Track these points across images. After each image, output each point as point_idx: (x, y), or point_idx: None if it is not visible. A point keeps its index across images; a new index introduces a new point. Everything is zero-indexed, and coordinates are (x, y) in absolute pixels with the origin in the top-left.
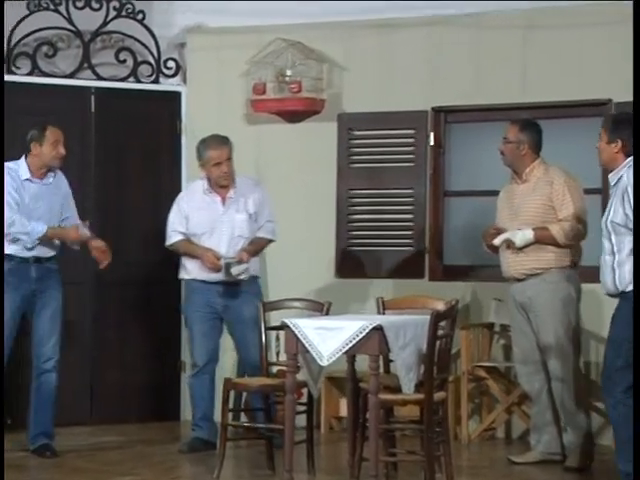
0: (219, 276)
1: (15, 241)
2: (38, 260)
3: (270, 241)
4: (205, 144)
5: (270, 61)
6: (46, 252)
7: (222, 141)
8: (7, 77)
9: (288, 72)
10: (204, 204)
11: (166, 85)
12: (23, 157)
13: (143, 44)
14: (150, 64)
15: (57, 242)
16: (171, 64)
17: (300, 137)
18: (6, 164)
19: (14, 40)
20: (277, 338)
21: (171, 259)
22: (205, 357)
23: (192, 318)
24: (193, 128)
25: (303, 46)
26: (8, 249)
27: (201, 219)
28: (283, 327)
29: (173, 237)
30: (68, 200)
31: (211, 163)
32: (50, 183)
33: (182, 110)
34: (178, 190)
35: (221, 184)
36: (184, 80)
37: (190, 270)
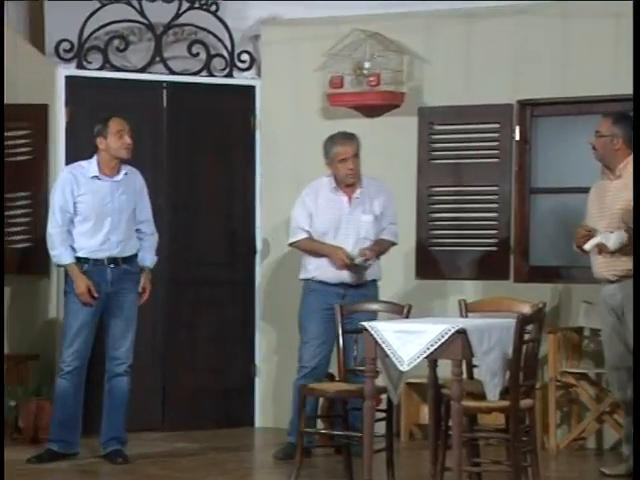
0: (340, 278)
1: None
2: (114, 261)
3: (393, 244)
4: (332, 140)
5: (348, 53)
6: (121, 251)
7: (349, 137)
8: (78, 72)
9: (366, 64)
10: (330, 203)
11: (240, 79)
12: (95, 155)
13: (216, 37)
14: (223, 57)
15: (135, 241)
16: (245, 57)
17: (379, 132)
18: (77, 163)
19: (85, 34)
20: (355, 342)
21: (244, 260)
22: (315, 360)
23: (307, 320)
24: (267, 123)
25: (382, 37)
26: (80, 253)
27: (326, 218)
28: (362, 330)
29: (298, 234)
30: (142, 201)
31: (337, 159)
32: (120, 180)
33: (256, 105)
34: (252, 187)
35: (347, 182)
36: (258, 73)
37: (311, 270)
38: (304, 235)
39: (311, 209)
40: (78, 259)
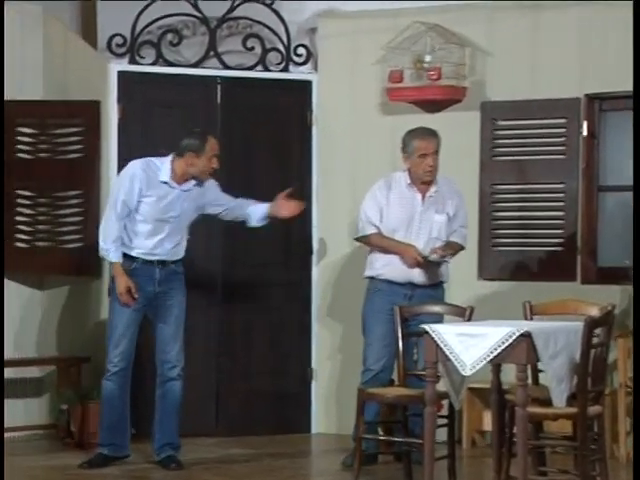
0: (408, 277)
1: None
2: (162, 263)
3: (462, 248)
4: (412, 134)
5: (407, 46)
6: (172, 256)
7: (431, 133)
8: (131, 67)
9: (427, 58)
10: (403, 199)
11: (296, 73)
12: (169, 158)
13: (272, 30)
14: (279, 51)
15: (184, 245)
16: (301, 51)
17: (440, 128)
18: (150, 159)
19: (138, 28)
20: (416, 345)
21: (300, 260)
22: (379, 364)
23: (371, 320)
24: (324, 119)
25: (443, 29)
26: (132, 252)
27: (399, 214)
28: (422, 333)
29: (367, 229)
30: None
31: (417, 154)
32: (190, 190)
33: (313, 100)
34: (308, 185)
35: (424, 179)
36: (315, 68)
37: (378, 267)
38: (373, 230)
39: (382, 204)
40: (129, 256)
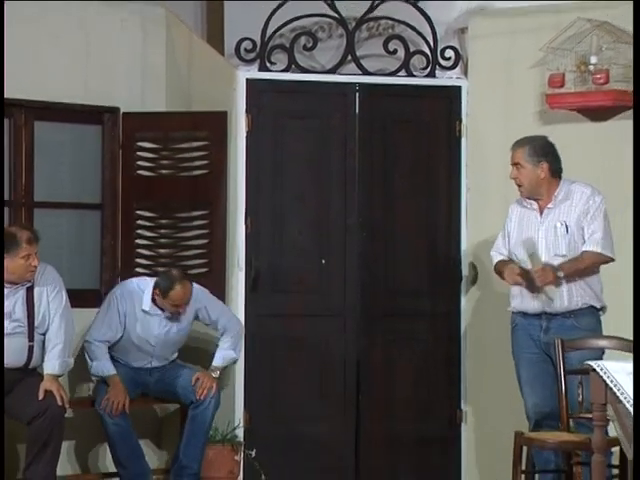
0: (537, 306)
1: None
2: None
3: (600, 256)
4: None
5: (570, 47)
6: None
7: (515, 143)
8: (261, 75)
9: (592, 59)
10: (522, 219)
11: (443, 79)
12: (152, 284)
13: (417, 31)
14: (425, 54)
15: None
16: (449, 53)
17: (607, 138)
18: (134, 282)
19: (269, 32)
20: (580, 384)
21: (447, 288)
22: (535, 411)
23: (517, 362)
24: (475, 129)
25: (611, 26)
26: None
27: (517, 235)
28: (587, 371)
29: (494, 259)
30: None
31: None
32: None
33: (462, 108)
34: (457, 204)
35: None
36: (465, 73)
37: (511, 301)
38: (499, 258)
39: (508, 228)
40: None
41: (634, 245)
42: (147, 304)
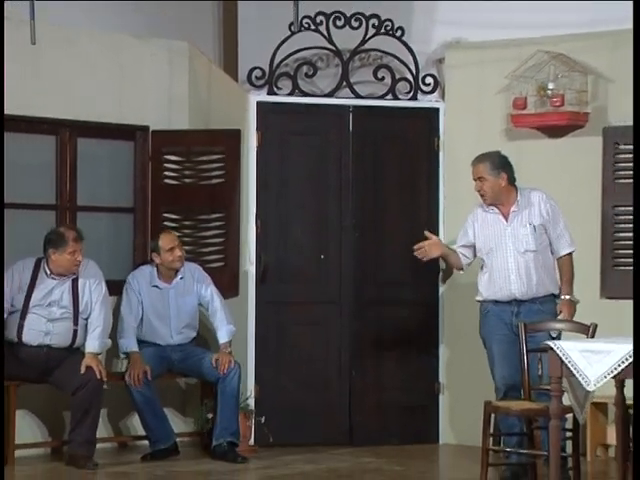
0: (509, 294)
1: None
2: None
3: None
4: None
5: (531, 75)
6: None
7: (475, 159)
8: (270, 98)
9: (550, 85)
10: (484, 222)
11: (424, 102)
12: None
13: (401, 61)
14: (408, 81)
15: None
16: (429, 80)
17: (562, 152)
18: (142, 267)
19: (276, 61)
20: (540, 360)
21: (427, 279)
22: (503, 381)
23: (490, 341)
24: (450, 145)
25: (566, 58)
26: None
27: (485, 236)
28: (546, 349)
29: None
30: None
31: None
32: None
33: (440, 127)
34: (435, 210)
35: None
36: (442, 96)
37: (481, 291)
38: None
39: (474, 228)
40: None
41: (634, 245)
42: (155, 280)
